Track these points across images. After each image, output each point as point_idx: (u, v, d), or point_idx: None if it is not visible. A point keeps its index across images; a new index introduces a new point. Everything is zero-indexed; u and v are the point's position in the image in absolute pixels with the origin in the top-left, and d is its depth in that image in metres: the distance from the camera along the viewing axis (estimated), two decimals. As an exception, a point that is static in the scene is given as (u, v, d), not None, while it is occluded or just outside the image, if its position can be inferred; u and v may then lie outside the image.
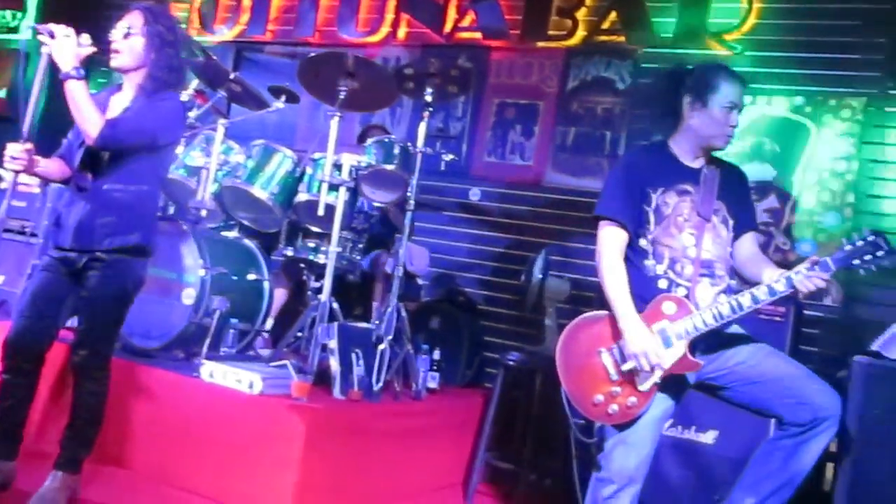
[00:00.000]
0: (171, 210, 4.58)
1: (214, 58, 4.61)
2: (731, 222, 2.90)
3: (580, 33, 5.34)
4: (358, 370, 3.82)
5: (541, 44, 5.46)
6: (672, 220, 2.81)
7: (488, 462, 4.40)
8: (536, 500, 4.36)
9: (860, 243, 2.64)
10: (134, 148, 3.06)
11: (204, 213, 4.27)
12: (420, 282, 5.07)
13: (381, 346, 3.93)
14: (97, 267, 3.04)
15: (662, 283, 2.80)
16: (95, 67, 6.07)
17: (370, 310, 4.66)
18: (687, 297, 2.78)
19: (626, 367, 2.76)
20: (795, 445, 2.75)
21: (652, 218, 2.82)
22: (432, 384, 4.33)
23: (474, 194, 5.53)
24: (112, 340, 3.18)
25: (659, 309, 2.75)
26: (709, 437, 3.76)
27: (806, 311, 4.21)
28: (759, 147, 4.77)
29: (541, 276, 4.57)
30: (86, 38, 3.01)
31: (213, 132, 4.38)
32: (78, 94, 2.93)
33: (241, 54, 6.49)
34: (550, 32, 5.43)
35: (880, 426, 3.23)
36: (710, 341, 2.80)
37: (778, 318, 3.89)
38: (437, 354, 4.40)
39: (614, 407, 2.77)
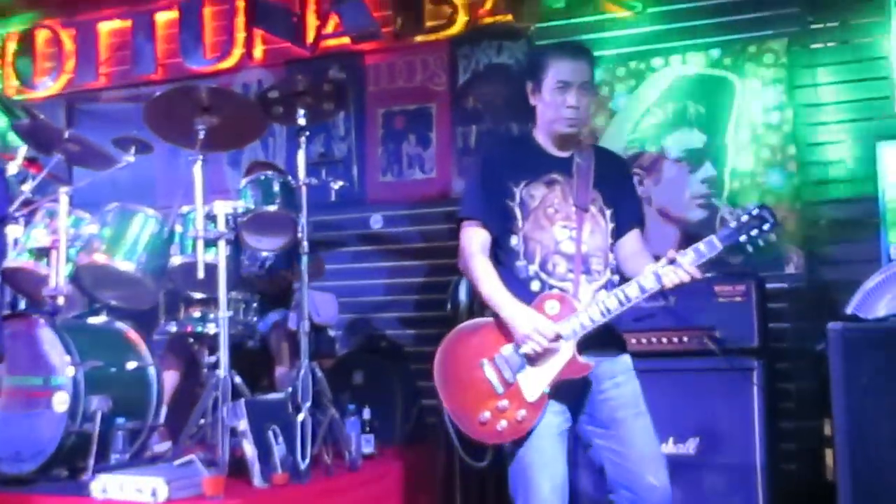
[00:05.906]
0: (22, 304, 4.45)
1: (41, 116, 4.51)
2: (608, 212, 3.01)
3: (461, 19, 5.40)
4: (279, 449, 3.77)
5: (419, 38, 5.52)
6: (541, 213, 2.92)
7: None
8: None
9: (745, 218, 2.77)
10: None
11: (61, 300, 4.16)
12: (332, 333, 5.04)
13: (301, 416, 3.89)
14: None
15: (535, 285, 2.91)
16: None
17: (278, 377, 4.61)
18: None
19: (523, 349, 2.81)
20: None
21: (518, 213, 2.94)
22: (368, 449, 4.30)
23: (376, 222, 5.54)
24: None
25: (542, 310, 2.84)
26: (690, 447, 3.84)
27: (769, 285, 4.33)
28: (682, 112, 4.90)
29: (468, 299, 4.59)
30: None
31: (55, 204, 4.27)
32: None
33: (74, 107, 6.37)
34: (428, 24, 5.49)
35: (869, 396, 3.36)
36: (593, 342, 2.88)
37: (739, 299, 3.98)
38: (367, 414, 4.37)
39: (503, 423, 2.82)
